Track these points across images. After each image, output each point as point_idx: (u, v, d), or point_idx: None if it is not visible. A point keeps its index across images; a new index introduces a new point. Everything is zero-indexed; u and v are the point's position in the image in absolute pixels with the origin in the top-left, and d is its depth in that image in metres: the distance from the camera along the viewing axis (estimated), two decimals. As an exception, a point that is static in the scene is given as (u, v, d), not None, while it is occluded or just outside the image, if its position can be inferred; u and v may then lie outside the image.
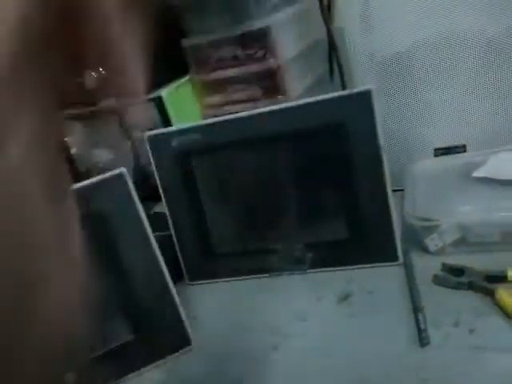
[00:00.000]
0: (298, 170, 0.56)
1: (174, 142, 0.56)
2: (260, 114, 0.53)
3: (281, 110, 0.53)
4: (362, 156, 0.52)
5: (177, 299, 0.50)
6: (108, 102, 0.78)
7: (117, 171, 0.45)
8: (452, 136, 0.65)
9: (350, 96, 0.50)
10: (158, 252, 0.48)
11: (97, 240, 0.46)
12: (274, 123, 0.53)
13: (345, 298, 0.52)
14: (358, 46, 0.64)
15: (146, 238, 0.47)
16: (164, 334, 0.50)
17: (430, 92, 0.65)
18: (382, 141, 0.51)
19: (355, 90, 0.50)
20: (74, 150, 0.81)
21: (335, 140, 0.52)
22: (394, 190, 0.53)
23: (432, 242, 0.54)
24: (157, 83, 0.84)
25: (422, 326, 0.44)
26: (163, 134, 0.56)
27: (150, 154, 0.57)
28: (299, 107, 0.52)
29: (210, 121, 0.56)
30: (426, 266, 0.53)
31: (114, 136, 0.86)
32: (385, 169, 0.52)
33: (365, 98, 0.49)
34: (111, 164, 0.86)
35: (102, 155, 0.88)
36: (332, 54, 0.93)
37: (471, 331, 0.43)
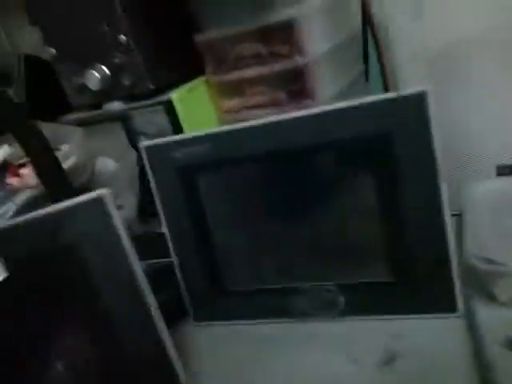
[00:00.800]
0: (331, 190, 0.44)
1: (177, 154, 0.45)
2: (284, 121, 0.42)
3: (310, 117, 0.42)
4: (412, 175, 0.40)
5: (173, 355, 0.39)
6: (113, 105, 0.66)
7: (94, 194, 0.35)
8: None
9: (399, 99, 0.38)
10: (147, 292, 0.37)
11: (68, 279, 0.36)
12: (302, 132, 0.42)
13: (389, 360, 0.40)
14: (404, 39, 0.52)
15: (132, 275, 0.37)
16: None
17: (491, 97, 0.52)
18: (439, 155, 0.39)
19: (406, 92, 0.38)
20: (73, 159, 0.72)
21: (379, 153, 0.40)
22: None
23: (503, 290, 0.42)
24: (167, 84, 0.74)
25: (500, 417, 0.32)
26: (164, 144, 0.46)
27: (148, 168, 0.47)
28: (334, 113, 0.41)
29: (220, 129, 0.45)
30: (495, 321, 0.41)
31: (119, 144, 0.76)
32: (442, 191, 0.40)
33: (418, 101, 0.38)
34: (115, 174, 0.77)
35: (106, 164, 0.78)
36: (368, 50, 0.82)
37: None
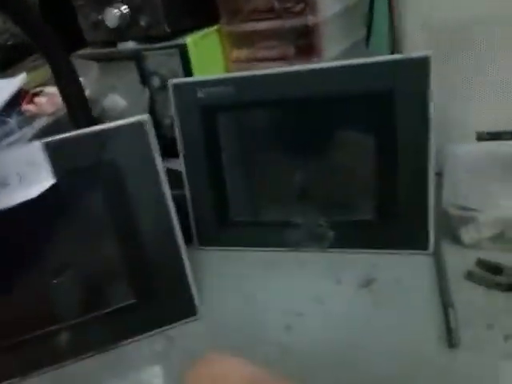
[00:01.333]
0: (333, 139, 0.51)
1: (201, 94, 0.51)
2: (299, 72, 0.48)
3: (323, 70, 0.47)
4: (408, 130, 0.47)
5: (188, 265, 0.46)
6: (128, 45, 0.71)
7: (137, 118, 0.40)
8: (498, 120, 0.60)
9: (403, 61, 0.44)
10: (173, 214, 0.44)
11: (108, 192, 0.42)
12: (314, 83, 0.47)
13: (367, 283, 0.48)
14: (411, 8, 0.57)
15: (163, 198, 0.43)
16: (169, 300, 0.46)
17: (479, 70, 0.58)
18: (432, 116, 0.46)
19: (411, 55, 0.44)
20: (87, 92, 0.76)
21: (380, 108, 0.46)
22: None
23: (467, 234, 0.49)
24: (182, 29, 0.77)
25: (453, 325, 0.40)
26: (189, 83, 0.51)
27: (173, 105, 0.52)
28: (344, 68, 0.46)
29: (242, 74, 0.50)
30: (458, 259, 0.48)
31: (131, 82, 0.80)
32: (430, 148, 0.47)
33: (421, 65, 0.44)
34: (125, 111, 0.81)
35: (117, 101, 0.83)
36: (372, 16, 0.86)
37: (506, 337, 0.39)
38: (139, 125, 0.40)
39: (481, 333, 0.40)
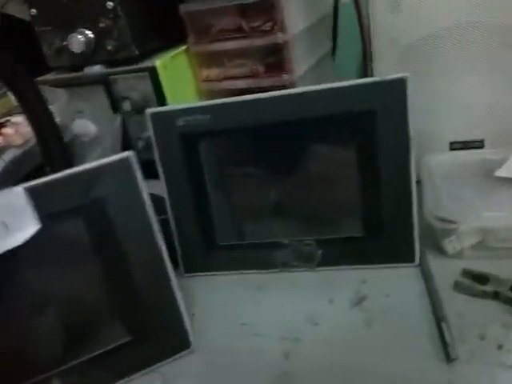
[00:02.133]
0: (316, 159, 0.51)
1: (180, 122, 0.50)
2: (279, 97, 0.48)
3: (301, 94, 0.48)
4: (389, 148, 0.48)
5: (180, 298, 0.45)
6: (95, 69, 0.70)
7: (121, 155, 0.39)
8: (470, 130, 0.62)
9: (382, 83, 0.45)
10: (163, 247, 0.43)
11: (97, 229, 0.41)
12: (294, 108, 0.48)
13: (359, 301, 0.48)
14: (382, 25, 0.59)
15: (150, 230, 0.42)
16: (162, 336, 0.45)
17: (449, 83, 0.60)
18: (412, 133, 0.47)
19: (389, 77, 0.45)
20: (57, 120, 0.73)
21: (361, 129, 0.47)
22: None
23: (450, 244, 0.51)
24: (150, 51, 0.76)
25: (449, 340, 0.41)
26: (168, 112, 0.50)
27: (152, 133, 0.51)
28: (324, 91, 0.47)
29: (219, 101, 0.50)
30: (444, 270, 0.50)
31: (101, 106, 0.79)
32: (411, 163, 0.48)
33: (399, 86, 0.45)
34: (97, 138, 0.79)
35: (87, 126, 0.80)
36: (337, 31, 0.88)
37: (499, 347, 0.40)
38: (124, 161, 0.39)
39: (475, 344, 0.41)
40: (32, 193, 0.36)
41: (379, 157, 0.48)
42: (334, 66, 0.93)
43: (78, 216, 0.39)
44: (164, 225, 0.57)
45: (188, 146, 0.51)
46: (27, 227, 0.36)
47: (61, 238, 0.40)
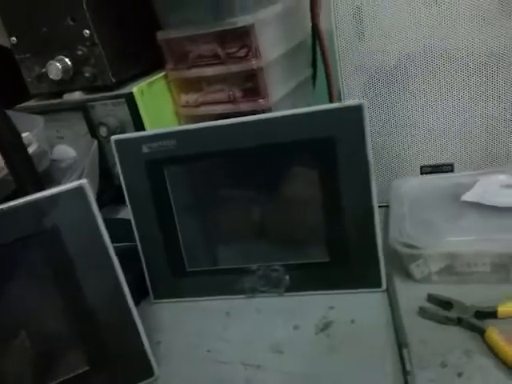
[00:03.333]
0: (280, 185, 0.51)
1: (145, 149, 0.50)
2: (241, 123, 0.48)
3: (264, 120, 0.48)
4: (349, 173, 0.48)
5: (139, 325, 0.45)
6: (74, 95, 0.71)
7: (76, 183, 0.40)
8: (440, 154, 0.62)
9: (340, 110, 0.46)
10: (119, 274, 0.43)
11: (52, 257, 0.41)
12: (256, 134, 0.48)
13: (324, 327, 0.48)
14: (348, 53, 0.60)
15: (107, 258, 0.42)
16: (124, 364, 0.45)
17: (417, 107, 0.61)
18: (371, 158, 0.47)
19: (346, 104, 0.45)
20: (34, 147, 0.74)
21: (321, 155, 0.48)
22: (378, 206, 0.49)
23: (417, 269, 0.50)
24: (128, 77, 0.78)
25: (408, 368, 0.40)
26: (132, 139, 0.51)
27: (117, 160, 0.52)
28: (284, 118, 0.47)
29: (185, 127, 0.51)
30: (411, 295, 0.49)
31: (79, 132, 0.79)
32: (373, 188, 0.48)
33: (356, 112, 0.45)
34: (74, 163, 0.80)
35: (66, 151, 0.81)
36: (316, 58, 0.89)
37: (459, 374, 0.40)
38: (79, 189, 0.39)
39: (436, 372, 0.40)
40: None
41: (340, 182, 0.48)
42: (315, 92, 0.94)
43: (33, 244, 0.39)
44: (135, 251, 0.57)
45: (154, 172, 0.52)
46: (-22, 256, 0.36)
47: (16, 266, 0.40)
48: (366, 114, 0.45)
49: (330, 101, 0.64)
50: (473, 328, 0.43)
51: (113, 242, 0.43)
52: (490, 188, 0.55)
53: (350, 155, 0.46)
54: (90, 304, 0.42)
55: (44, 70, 0.75)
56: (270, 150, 0.49)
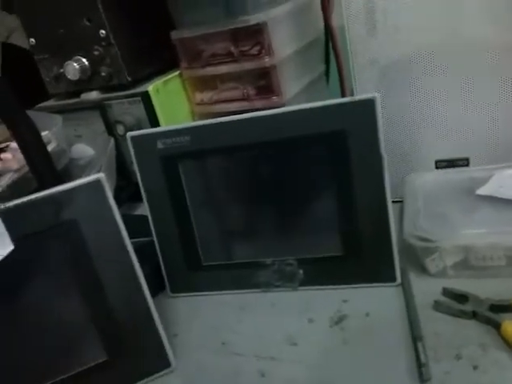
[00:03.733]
0: (294, 179, 0.52)
1: (160, 145, 0.51)
2: (255, 119, 0.49)
3: (277, 115, 0.49)
4: (362, 167, 0.48)
5: (156, 317, 0.46)
6: (91, 95, 0.72)
7: (94, 177, 0.41)
8: (455, 148, 0.62)
9: (352, 103, 0.46)
10: (136, 266, 0.44)
11: (70, 250, 0.42)
12: (270, 129, 0.49)
13: (339, 320, 0.48)
14: (360, 48, 0.60)
15: (124, 251, 0.43)
16: (141, 355, 0.46)
17: (433, 101, 0.61)
18: (384, 152, 0.47)
19: (358, 98, 0.46)
20: (53, 145, 0.76)
21: (334, 149, 0.48)
22: (392, 202, 0.49)
23: (432, 263, 0.50)
24: (143, 76, 0.79)
25: (423, 360, 0.40)
26: (148, 134, 0.52)
27: (133, 156, 0.53)
28: (297, 113, 0.48)
29: (199, 123, 0.51)
30: (426, 289, 0.49)
31: (97, 130, 0.81)
32: (386, 182, 0.48)
33: (368, 106, 0.45)
34: (92, 161, 0.81)
35: (84, 150, 0.83)
36: (329, 54, 0.89)
37: (475, 367, 0.40)
38: (97, 182, 0.40)
39: (450, 365, 0.40)
40: (5, 215, 0.37)
41: (354, 176, 0.48)
42: (329, 88, 0.94)
43: (51, 237, 0.40)
44: (152, 246, 0.58)
45: (169, 168, 0.52)
46: (0, 248, 0.37)
47: (36, 259, 0.41)
48: (379, 107, 0.45)
49: (343, 96, 0.64)
50: (488, 321, 0.43)
51: (130, 237, 0.44)
52: (506, 182, 0.55)
53: (362, 149, 0.47)
54: (108, 296, 0.43)
55: (62, 70, 0.77)
56: (283, 145, 0.49)
